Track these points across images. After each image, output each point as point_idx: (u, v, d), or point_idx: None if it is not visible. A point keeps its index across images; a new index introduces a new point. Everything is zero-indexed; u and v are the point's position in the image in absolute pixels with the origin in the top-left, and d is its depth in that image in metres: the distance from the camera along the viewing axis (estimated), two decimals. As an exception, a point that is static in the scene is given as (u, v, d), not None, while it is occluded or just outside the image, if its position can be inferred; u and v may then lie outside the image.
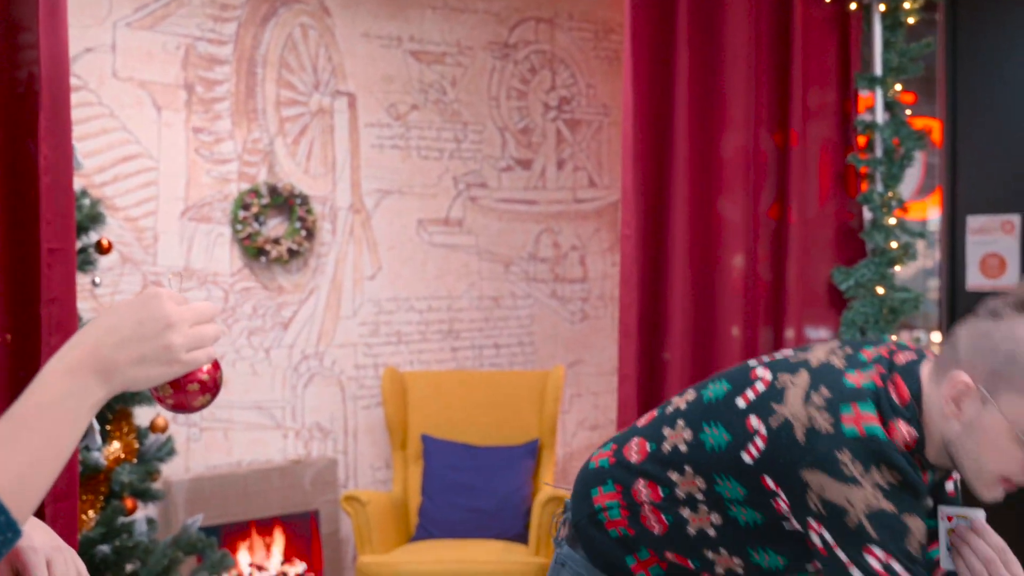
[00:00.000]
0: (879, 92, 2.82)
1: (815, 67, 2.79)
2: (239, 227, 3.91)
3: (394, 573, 3.63)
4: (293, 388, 4.12)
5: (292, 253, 4.02)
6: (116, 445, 2.80)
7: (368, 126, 4.26)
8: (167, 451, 2.94)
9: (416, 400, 4.17)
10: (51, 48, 2.13)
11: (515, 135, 4.65)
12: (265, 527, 3.98)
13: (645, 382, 2.66)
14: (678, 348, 2.68)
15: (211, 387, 0.99)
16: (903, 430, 1.30)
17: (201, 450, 3.91)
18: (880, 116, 2.84)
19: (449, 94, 4.46)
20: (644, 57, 2.58)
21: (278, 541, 4.01)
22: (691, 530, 1.46)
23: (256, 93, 4.00)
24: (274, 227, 4.04)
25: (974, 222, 4.01)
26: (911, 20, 2.79)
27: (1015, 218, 3.93)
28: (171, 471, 3.62)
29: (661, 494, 1.46)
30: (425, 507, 3.97)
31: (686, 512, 1.45)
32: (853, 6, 2.77)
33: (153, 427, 2.94)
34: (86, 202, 2.80)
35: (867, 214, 2.86)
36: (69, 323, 2.20)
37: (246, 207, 3.91)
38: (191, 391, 0.97)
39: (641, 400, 2.63)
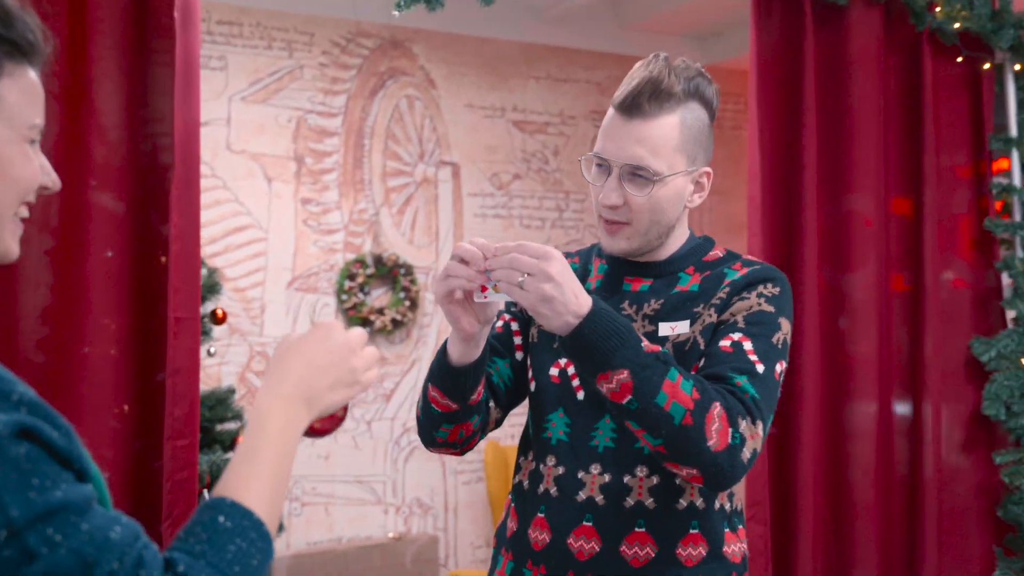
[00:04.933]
0: (1015, 154, 2.71)
1: (947, 129, 2.70)
2: (344, 297, 3.94)
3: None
4: (394, 462, 4.10)
5: (396, 323, 4.03)
6: (227, 518, 2.78)
7: (471, 195, 4.29)
8: (275, 525, 2.92)
9: (519, 475, 4.10)
10: (184, 121, 2.17)
11: (617, 204, 4.62)
12: (366, 605, 3.92)
13: (774, 456, 2.55)
14: (808, 423, 2.57)
15: (346, 410, 1.07)
16: None
17: (302, 525, 3.90)
18: (1017, 179, 2.73)
19: (551, 163, 4.48)
20: (769, 122, 2.53)
21: (378, 620, 3.94)
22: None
23: (363, 164, 4.06)
24: (378, 297, 4.06)
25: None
26: (1049, 79, 2.69)
27: None
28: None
29: None
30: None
31: None
32: (986, 66, 2.69)
33: (263, 500, 2.93)
34: (203, 272, 2.85)
35: (1006, 281, 2.73)
36: (191, 393, 2.21)
37: (352, 277, 3.95)
38: (338, 415, 1.06)
39: (771, 475, 2.52)
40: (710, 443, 1.30)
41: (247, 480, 0.91)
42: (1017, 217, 2.71)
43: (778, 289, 1.47)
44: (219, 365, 3.70)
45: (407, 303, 4.04)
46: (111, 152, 2.23)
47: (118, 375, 2.25)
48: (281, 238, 3.90)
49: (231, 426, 2.96)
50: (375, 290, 4.05)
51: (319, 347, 1.01)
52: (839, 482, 2.65)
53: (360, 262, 3.97)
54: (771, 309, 1.44)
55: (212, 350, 2.89)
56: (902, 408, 2.71)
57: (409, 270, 4.07)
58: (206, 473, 2.67)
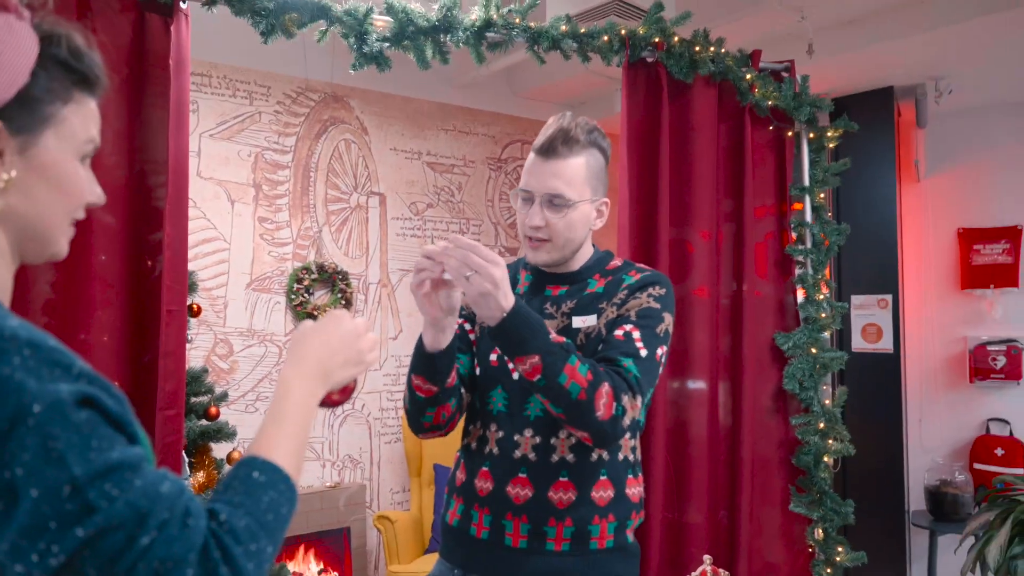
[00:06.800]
0: (808, 199, 2.82)
1: (760, 178, 2.79)
2: (292, 297, 3.76)
3: (416, 579, 3.41)
4: (331, 427, 3.94)
5: (334, 318, 3.87)
6: (201, 475, 2.60)
7: (394, 219, 4.17)
8: (240, 479, 2.74)
9: (429, 436, 4.00)
10: (176, 151, 2.01)
11: (505, 229, 4.59)
12: (307, 542, 3.74)
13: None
14: (659, 397, 2.59)
15: (356, 383, 1.01)
16: None
17: (255, 478, 3.68)
18: (808, 216, 2.83)
19: (456, 196, 4.41)
20: (635, 168, 2.55)
21: (317, 553, 3.77)
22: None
23: (309, 191, 3.89)
24: (319, 297, 3.90)
25: (856, 300, 4.03)
26: (831, 145, 2.81)
27: (888, 297, 3.96)
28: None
29: None
30: (436, 523, 3.78)
31: None
32: (789, 133, 2.78)
33: (229, 460, 2.74)
34: (183, 274, 2.64)
35: (799, 291, 2.83)
36: (179, 372, 2.04)
37: (299, 281, 3.77)
38: (350, 387, 1.00)
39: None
40: (598, 414, 1.29)
41: (276, 441, 0.83)
42: (808, 245, 2.81)
43: (663, 290, 1.47)
44: (190, 350, 3.46)
45: (343, 302, 3.89)
46: (105, 175, 2.04)
47: (110, 358, 2.06)
48: (241, 249, 3.69)
49: (204, 399, 2.76)
50: (318, 291, 3.88)
51: (332, 332, 0.95)
52: (680, 438, 2.68)
53: (306, 269, 3.80)
54: (657, 306, 1.44)
55: (191, 337, 2.70)
56: (725, 384, 2.77)
57: (345, 276, 3.92)
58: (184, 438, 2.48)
